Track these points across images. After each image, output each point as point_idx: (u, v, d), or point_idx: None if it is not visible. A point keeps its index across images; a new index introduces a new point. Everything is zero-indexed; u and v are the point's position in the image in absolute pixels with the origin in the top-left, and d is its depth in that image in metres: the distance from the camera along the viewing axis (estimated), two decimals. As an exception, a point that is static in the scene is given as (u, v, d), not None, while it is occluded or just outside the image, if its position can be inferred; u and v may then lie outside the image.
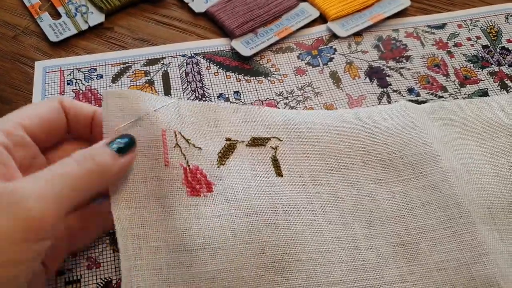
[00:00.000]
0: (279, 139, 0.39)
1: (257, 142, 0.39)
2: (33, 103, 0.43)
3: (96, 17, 0.52)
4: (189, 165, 0.35)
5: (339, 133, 0.40)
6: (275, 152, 0.38)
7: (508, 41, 0.51)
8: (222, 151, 0.37)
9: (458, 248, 0.34)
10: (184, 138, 0.36)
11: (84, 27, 0.51)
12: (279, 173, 0.37)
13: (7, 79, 0.47)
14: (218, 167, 0.36)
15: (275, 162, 0.38)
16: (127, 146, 0.32)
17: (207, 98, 0.46)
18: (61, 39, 0.50)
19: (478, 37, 0.52)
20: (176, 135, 0.36)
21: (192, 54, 0.50)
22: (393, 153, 0.39)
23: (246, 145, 0.38)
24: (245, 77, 0.48)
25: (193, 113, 0.38)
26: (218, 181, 0.35)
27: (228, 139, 0.38)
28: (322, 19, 0.53)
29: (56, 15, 0.52)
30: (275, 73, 0.49)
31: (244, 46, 0.49)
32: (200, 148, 0.36)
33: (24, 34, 0.51)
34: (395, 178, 0.38)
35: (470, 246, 0.34)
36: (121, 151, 0.31)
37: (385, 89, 0.47)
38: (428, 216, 0.36)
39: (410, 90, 0.47)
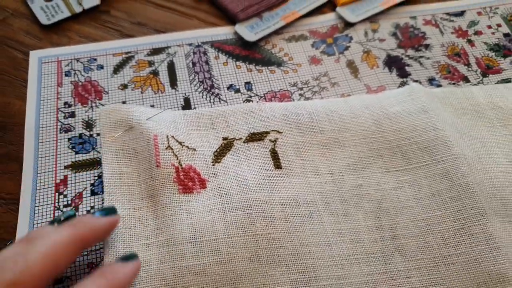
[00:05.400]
0: (279, 132, 0.38)
1: (255, 137, 0.38)
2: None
3: (91, -1, 0.50)
4: (181, 164, 0.36)
5: (343, 121, 0.39)
6: (274, 144, 0.38)
7: (530, 29, 0.50)
8: (218, 150, 0.38)
9: (467, 242, 0.32)
10: (177, 141, 0.37)
11: (78, 9, 0.49)
12: (277, 166, 0.37)
13: (-6, 63, 0.45)
14: (213, 165, 0.37)
15: (274, 155, 0.37)
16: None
17: (216, 89, 0.44)
18: (53, 22, 0.48)
19: (498, 25, 0.50)
20: (168, 139, 0.37)
21: (200, 43, 0.47)
22: (402, 140, 0.38)
23: (244, 142, 0.38)
24: (256, 66, 0.46)
25: (188, 120, 0.39)
26: (212, 178, 0.36)
27: (225, 138, 0.39)
28: (331, 3, 0.52)
29: (47, -4, 0.50)
30: (289, 62, 0.47)
31: (248, 31, 0.47)
32: (194, 149, 0.37)
33: (13, 16, 0.49)
34: (403, 167, 0.37)
35: (480, 240, 0.32)
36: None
37: (405, 79, 0.45)
38: (438, 207, 0.34)
39: (431, 80, 0.45)
